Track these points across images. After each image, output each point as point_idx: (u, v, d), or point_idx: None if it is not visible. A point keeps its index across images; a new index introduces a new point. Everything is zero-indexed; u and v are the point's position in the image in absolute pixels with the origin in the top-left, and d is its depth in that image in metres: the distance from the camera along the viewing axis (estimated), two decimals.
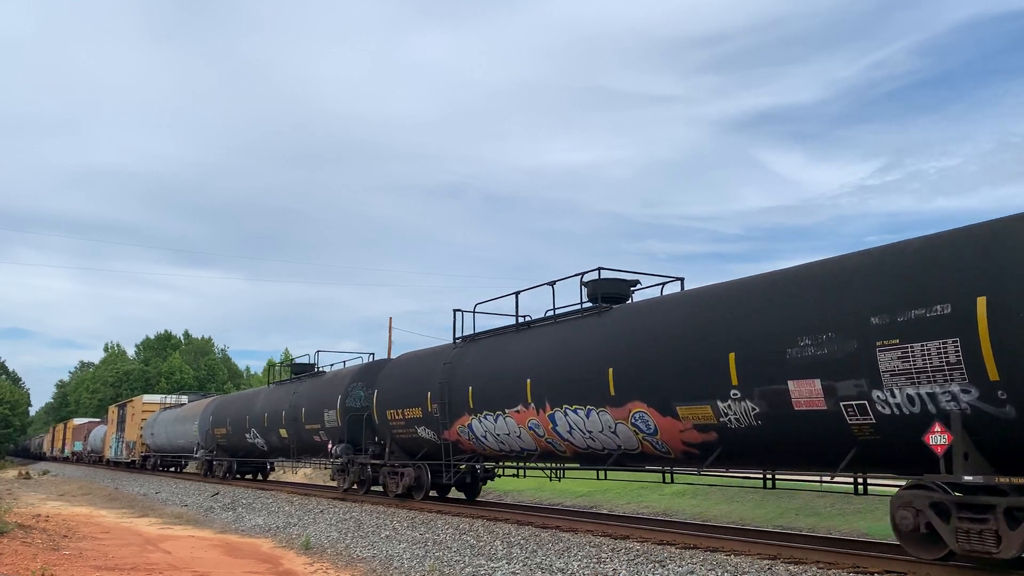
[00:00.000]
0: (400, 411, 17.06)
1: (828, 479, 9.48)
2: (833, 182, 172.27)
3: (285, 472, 34.34)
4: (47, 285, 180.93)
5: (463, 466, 16.46)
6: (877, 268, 8.41)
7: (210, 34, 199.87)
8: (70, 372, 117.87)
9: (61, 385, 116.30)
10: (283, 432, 23.36)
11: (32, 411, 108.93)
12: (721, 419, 9.88)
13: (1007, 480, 7.19)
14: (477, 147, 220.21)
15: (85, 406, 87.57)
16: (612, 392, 11.42)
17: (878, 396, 8.09)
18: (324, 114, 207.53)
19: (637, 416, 11.12)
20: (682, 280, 12.84)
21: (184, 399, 40.17)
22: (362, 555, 12.18)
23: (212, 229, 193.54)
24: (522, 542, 11.36)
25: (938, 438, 7.59)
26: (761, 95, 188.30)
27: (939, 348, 7.51)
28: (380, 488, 18.88)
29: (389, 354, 34.82)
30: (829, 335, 8.52)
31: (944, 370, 7.50)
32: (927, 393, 7.68)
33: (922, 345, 7.65)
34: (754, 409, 9.43)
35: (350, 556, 12.26)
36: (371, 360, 21.02)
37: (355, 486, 19.67)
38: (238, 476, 30.04)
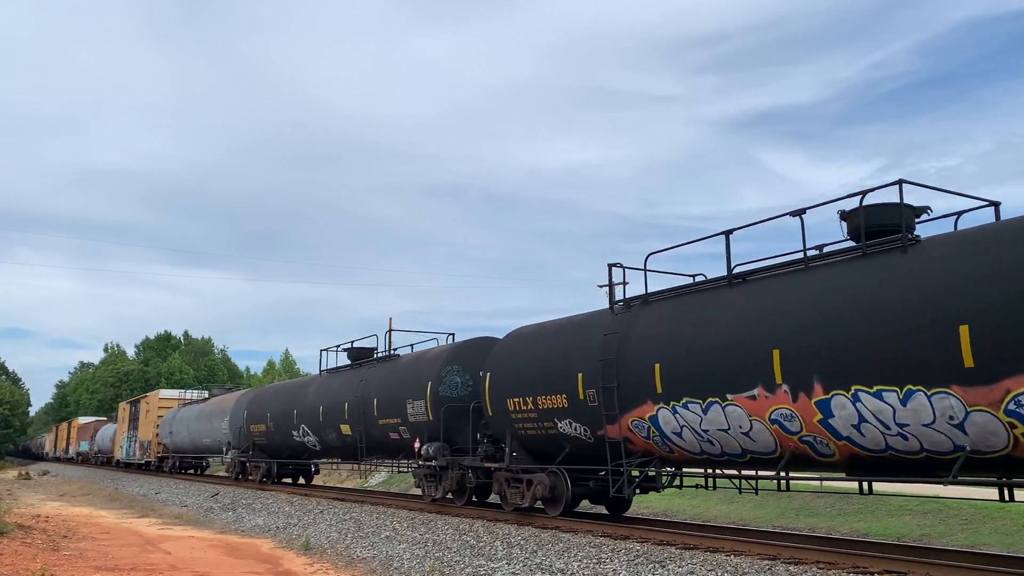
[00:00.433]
0: (529, 400, 13.44)
1: None
2: (833, 182, 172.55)
3: (330, 475, 32.56)
4: (47, 285, 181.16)
5: (651, 471, 12.02)
6: None
7: (210, 34, 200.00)
8: (70, 372, 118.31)
9: (61, 385, 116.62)
10: (345, 429, 19.35)
11: (32, 411, 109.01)
12: None
13: None
14: (477, 147, 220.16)
15: (85, 406, 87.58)
16: (969, 363, 7.93)
17: None
18: (324, 114, 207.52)
19: (1020, 400, 7.58)
20: (997, 205, 9.54)
21: (205, 393, 37.10)
22: (362, 555, 12.18)
23: (212, 229, 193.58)
24: (522, 542, 11.36)
25: None
26: (761, 95, 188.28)
27: None
28: (485, 497, 16.25)
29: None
30: None
31: None
32: None
33: None
34: None
35: (350, 556, 12.26)
36: (471, 339, 16.90)
37: (449, 495, 16.16)
38: (276, 480, 25.58)
